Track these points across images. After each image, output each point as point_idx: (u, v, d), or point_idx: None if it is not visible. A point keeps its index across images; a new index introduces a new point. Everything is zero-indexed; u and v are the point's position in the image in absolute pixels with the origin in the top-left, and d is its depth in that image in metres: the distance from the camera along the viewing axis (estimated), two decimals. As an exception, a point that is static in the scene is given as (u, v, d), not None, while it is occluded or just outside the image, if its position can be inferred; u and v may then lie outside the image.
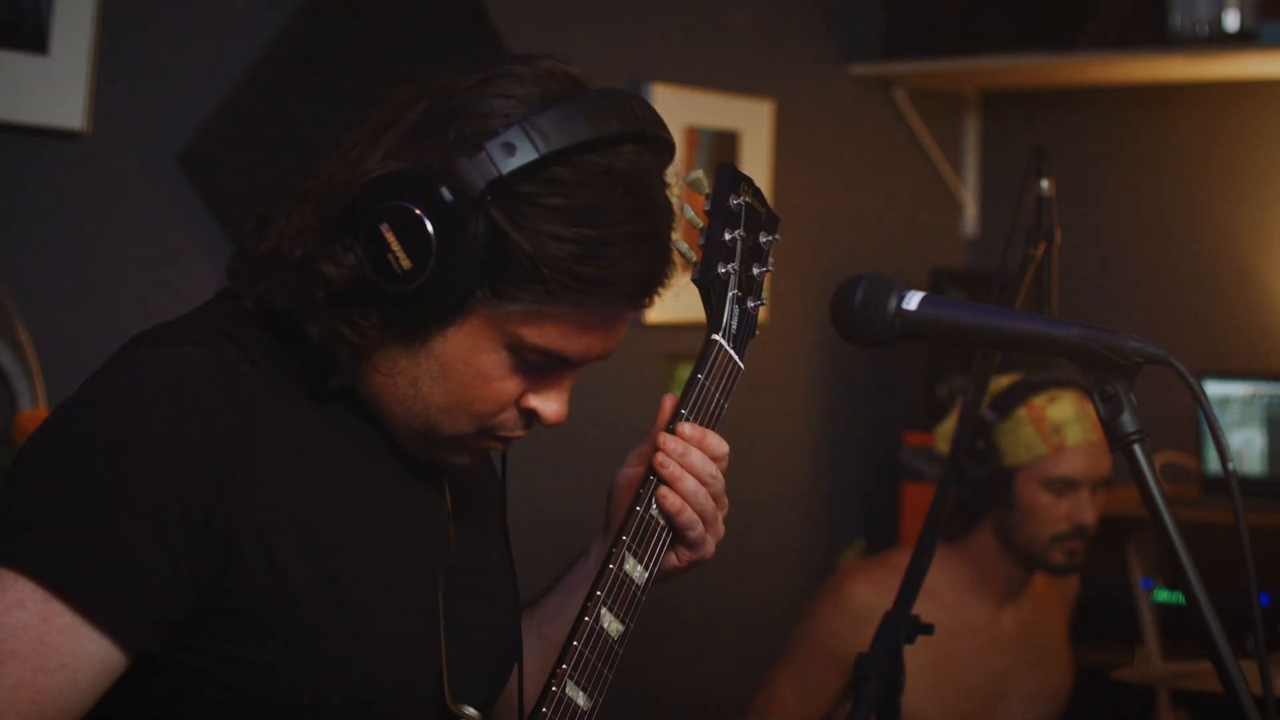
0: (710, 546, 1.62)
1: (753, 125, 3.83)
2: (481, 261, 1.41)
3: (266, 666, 1.42)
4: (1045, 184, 2.18)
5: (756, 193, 1.67)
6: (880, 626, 1.96)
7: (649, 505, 1.57)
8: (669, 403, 1.62)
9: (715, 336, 1.63)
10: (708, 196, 1.64)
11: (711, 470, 1.58)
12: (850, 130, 4.19)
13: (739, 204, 1.64)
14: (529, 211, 1.41)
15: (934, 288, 4.00)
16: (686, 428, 1.59)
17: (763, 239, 1.67)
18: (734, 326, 1.65)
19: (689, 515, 1.58)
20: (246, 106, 2.82)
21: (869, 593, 2.94)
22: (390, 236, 1.41)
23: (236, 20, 2.85)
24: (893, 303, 1.50)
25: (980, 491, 2.93)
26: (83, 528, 1.35)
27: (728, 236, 1.63)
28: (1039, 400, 2.92)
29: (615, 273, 1.43)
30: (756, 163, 3.82)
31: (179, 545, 1.37)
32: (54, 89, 2.54)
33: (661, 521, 1.57)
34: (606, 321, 1.48)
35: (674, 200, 1.51)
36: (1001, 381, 2.97)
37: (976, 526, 2.97)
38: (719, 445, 1.60)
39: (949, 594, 2.94)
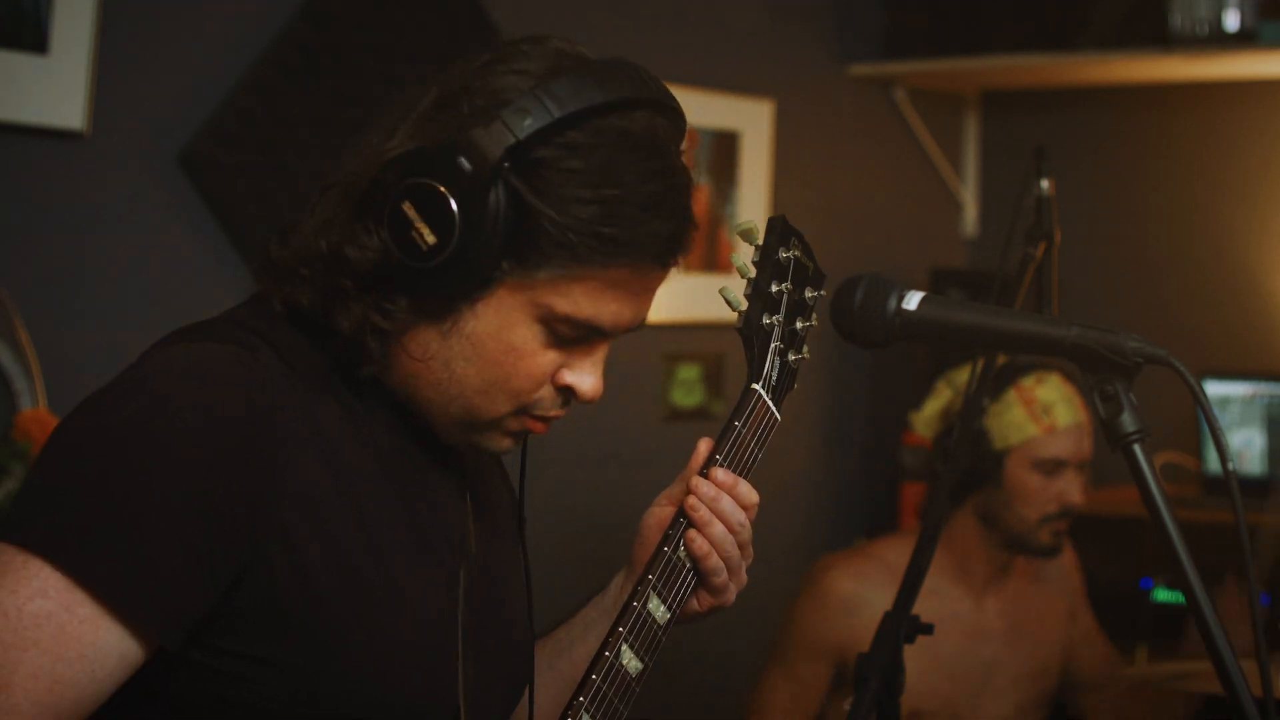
0: (732, 594, 1.63)
1: (753, 125, 3.83)
2: (505, 231, 1.41)
3: (285, 669, 1.42)
4: (1045, 184, 2.18)
5: (806, 247, 1.69)
6: (880, 626, 1.96)
7: (677, 547, 1.58)
8: (704, 447, 1.63)
9: (755, 386, 1.64)
10: (758, 247, 1.66)
11: (740, 519, 1.59)
12: (850, 130, 4.19)
13: (788, 257, 1.66)
14: (549, 176, 1.41)
15: (934, 288, 4.00)
16: (720, 473, 1.60)
17: (808, 294, 1.68)
18: (774, 378, 1.66)
19: (715, 561, 1.59)
20: (246, 106, 2.82)
21: (848, 583, 2.96)
22: (412, 213, 1.41)
23: (236, 20, 2.85)
24: (893, 303, 1.50)
25: (965, 474, 2.94)
26: (107, 519, 1.35)
27: (774, 288, 1.65)
28: (1028, 382, 2.94)
29: (639, 233, 1.44)
30: (756, 163, 3.82)
31: (202, 541, 1.37)
32: (54, 89, 2.54)
33: (688, 564, 1.58)
34: (635, 286, 1.48)
35: (689, 168, 1.52)
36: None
37: (957, 511, 2.97)
38: (749, 494, 1.61)
39: (932, 582, 2.94)
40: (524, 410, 1.50)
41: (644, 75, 1.49)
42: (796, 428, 4.07)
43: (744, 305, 1.65)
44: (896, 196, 4.32)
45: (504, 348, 1.46)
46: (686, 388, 3.73)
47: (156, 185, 2.74)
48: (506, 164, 1.40)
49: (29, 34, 2.51)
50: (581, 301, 1.45)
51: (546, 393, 1.50)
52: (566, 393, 1.51)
